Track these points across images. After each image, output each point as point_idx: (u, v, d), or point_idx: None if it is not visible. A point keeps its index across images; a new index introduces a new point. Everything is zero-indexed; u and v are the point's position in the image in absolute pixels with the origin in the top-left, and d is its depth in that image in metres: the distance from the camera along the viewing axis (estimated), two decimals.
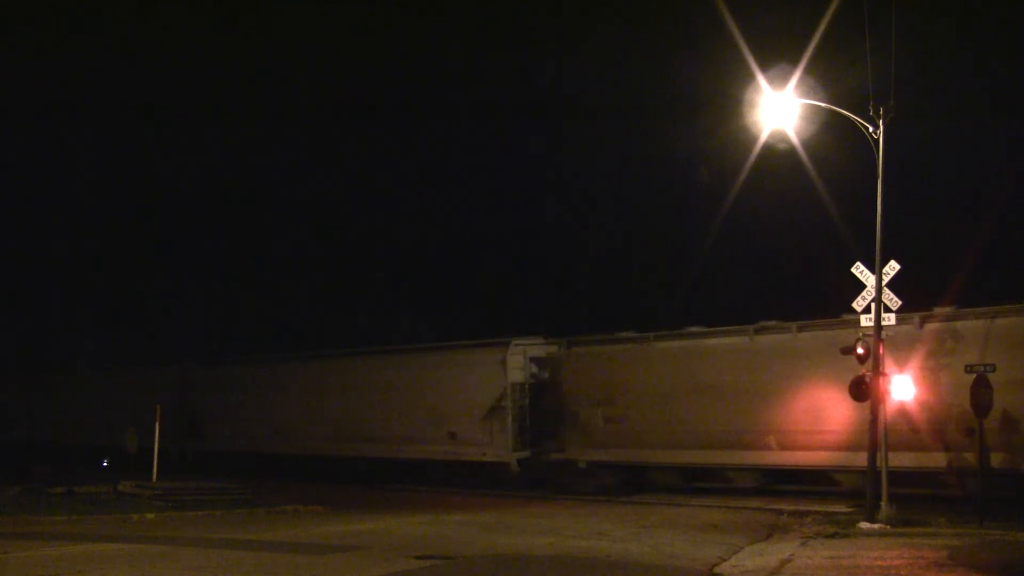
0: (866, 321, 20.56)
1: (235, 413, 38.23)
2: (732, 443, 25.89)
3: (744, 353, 26.40)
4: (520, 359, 30.30)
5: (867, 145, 19.99)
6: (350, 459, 34.35)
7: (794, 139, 21.09)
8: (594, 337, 30.35)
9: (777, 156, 22.43)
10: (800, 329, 25.67)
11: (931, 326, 23.20)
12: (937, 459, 22.52)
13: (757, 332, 26.42)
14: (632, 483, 28.35)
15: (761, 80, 20.25)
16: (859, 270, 20.72)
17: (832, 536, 18.19)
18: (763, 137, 21.21)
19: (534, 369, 30.61)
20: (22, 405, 47.84)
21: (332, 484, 31.30)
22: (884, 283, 20.26)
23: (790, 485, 25.81)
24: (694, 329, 28.18)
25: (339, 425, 34.82)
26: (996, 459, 20.92)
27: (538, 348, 30.83)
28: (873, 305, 20.26)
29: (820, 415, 24.35)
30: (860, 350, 20.18)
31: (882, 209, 19.96)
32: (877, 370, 19.91)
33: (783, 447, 25.28)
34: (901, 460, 21.50)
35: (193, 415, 38.92)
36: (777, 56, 21.05)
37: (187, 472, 33.18)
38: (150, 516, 21.75)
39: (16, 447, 44.19)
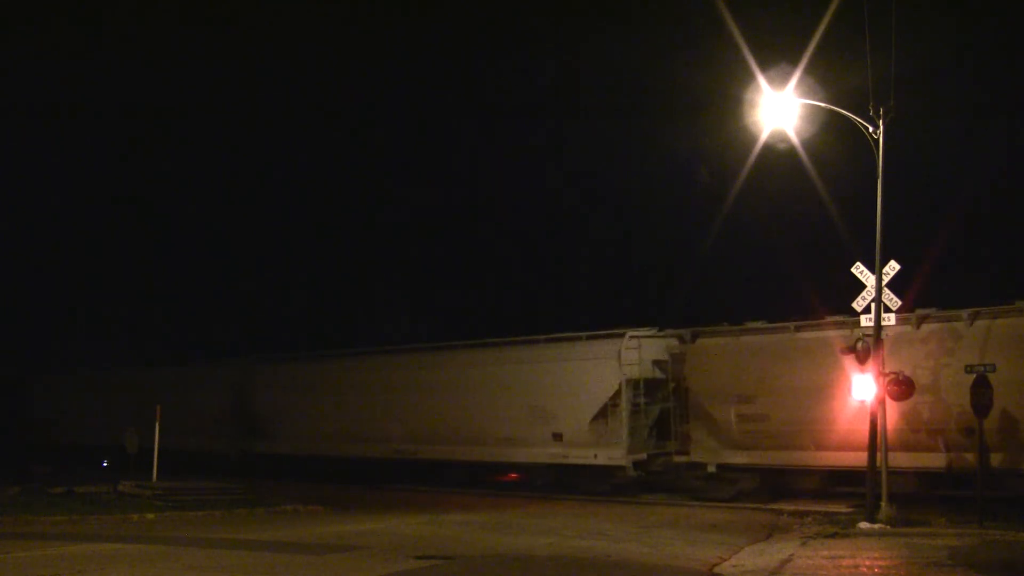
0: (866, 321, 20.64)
1: (307, 412, 35.23)
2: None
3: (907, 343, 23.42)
4: (635, 352, 27.53)
5: (867, 145, 20.00)
6: (437, 463, 31.98)
7: (794, 139, 21.09)
8: (722, 328, 27.26)
9: (777, 156, 22.43)
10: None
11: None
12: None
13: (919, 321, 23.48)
14: (771, 487, 25.55)
15: (761, 80, 20.27)
16: (859, 270, 20.73)
17: (832, 536, 18.19)
18: (763, 137, 21.22)
19: (649, 363, 27.90)
20: (54, 405, 45.30)
21: (435, 489, 30.61)
22: (884, 283, 20.27)
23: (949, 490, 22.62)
24: (837, 319, 24.64)
25: (426, 425, 32.13)
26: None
27: (654, 340, 28.11)
28: (873, 305, 20.28)
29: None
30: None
31: (882, 209, 19.97)
32: (877, 370, 19.94)
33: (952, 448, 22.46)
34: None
35: (252, 415, 36.14)
36: (777, 56, 21.07)
37: (247, 476, 32.21)
38: (150, 516, 21.75)
39: (47, 449, 41.98)
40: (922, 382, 21.91)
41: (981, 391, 19.77)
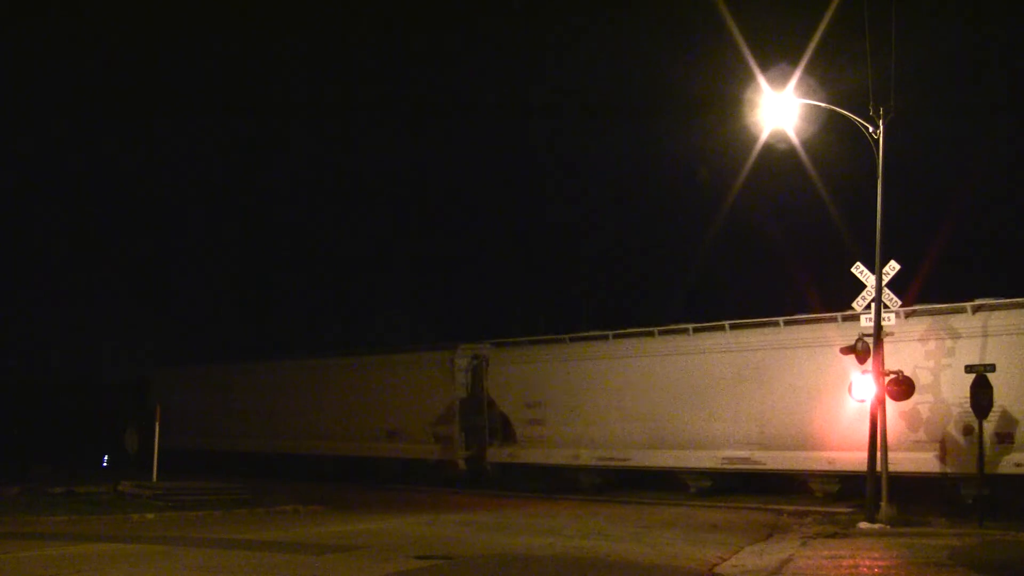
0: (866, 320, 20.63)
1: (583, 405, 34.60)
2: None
3: None
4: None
5: (867, 145, 20.01)
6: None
7: (794, 139, 21.11)
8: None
9: (777, 156, 22.45)
10: None
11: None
12: None
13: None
14: None
15: (761, 80, 20.29)
16: (859, 270, 20.73)
17: (832, 536, 18.19)
18: (763, 137, 21.24)
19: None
20: (184, 404, 39.40)
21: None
22: (884, 283, 20.27)
23: None
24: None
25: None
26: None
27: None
28: (873, 305, 20.28)
29: None
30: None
31: (882, 209, 19.98)
32: (877, 370, 19.94)
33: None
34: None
35: (501, 413, 30.99)
36: (777, 56, 21.10)
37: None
38: (150, 516, 21.74)
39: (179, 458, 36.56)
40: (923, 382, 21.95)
41: (981, 391, 19.73)
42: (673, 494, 26.49)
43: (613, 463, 28.03)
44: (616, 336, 28.53)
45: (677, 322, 27.94)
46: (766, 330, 25.41)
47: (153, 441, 27.20)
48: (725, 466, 25.68)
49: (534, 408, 29.62)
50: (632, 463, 27.58)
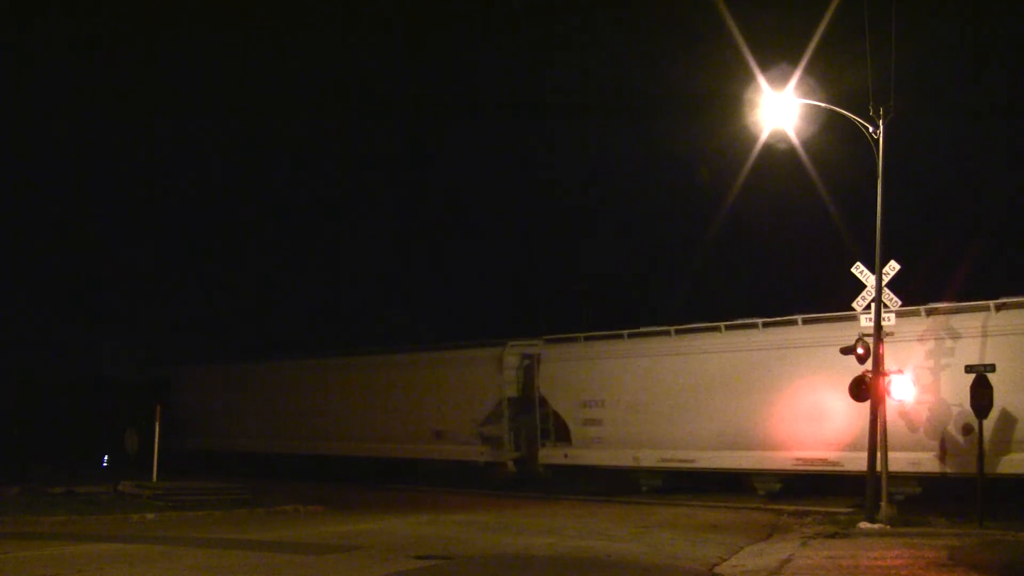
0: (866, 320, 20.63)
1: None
2: None
3: None
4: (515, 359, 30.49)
5: (867, 145, 20.01)
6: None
7: (794, 139, 21.11)
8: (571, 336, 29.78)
9: (777, 156, 22.45)
10: None
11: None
12: None
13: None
14: None
15: (761, 80, 20.29)
16: (859, 270, 20.73)
17: (832, 536, 18.18)
18: (763, 137, 21.25)
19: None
20: (204, 404, 39.12)
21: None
22: (884, 283, 20.27)
23: None
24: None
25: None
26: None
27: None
28: (873, 305, 20.29)
29: None
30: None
31: (882, 209, 19.98)
32: (877, 370, 19.94)
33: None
34: None
35: (554, 413, 29.67)
36: (777, 56, 21.09)
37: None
38: (150, 516, 21.76)
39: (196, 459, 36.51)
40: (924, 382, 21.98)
41: (981, 391, 19.73)
42: (734, 497, 25.45)
43: (677, 465, 26.71)
44: (679, 332, 27.29)
45: (741, 317, 26.82)
46: (845, 324, 23.39)
47: (154, 441, 27.17)
48: (798, 467, 24.41)
49: (591, 407, 28.33)
50: (697, 465, 26.29)
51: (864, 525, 19.00)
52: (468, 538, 18.00)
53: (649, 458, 27.11)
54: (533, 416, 29.84)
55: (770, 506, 23.79)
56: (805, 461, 24.23)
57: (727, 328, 26.27)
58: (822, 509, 22.30)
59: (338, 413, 34.79)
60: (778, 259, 42.00)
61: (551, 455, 29.33)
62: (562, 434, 29.07)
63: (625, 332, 28.42)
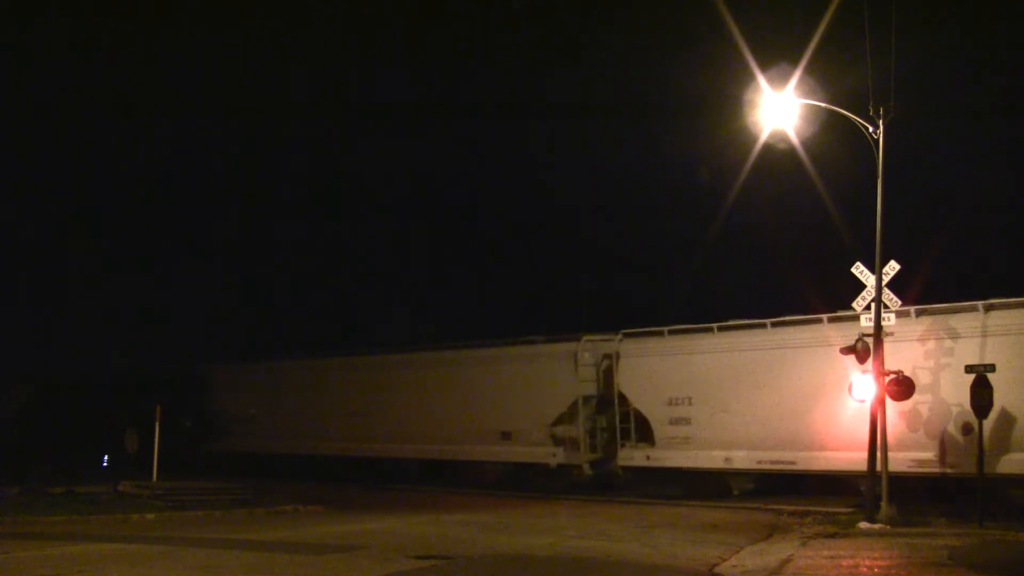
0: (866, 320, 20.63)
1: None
2: None
3: None
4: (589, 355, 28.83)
5: (867, 145, 20.01)
6: None
7: (794, 139, 21.12)
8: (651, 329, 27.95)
9: (777, 156, 22.45)
10: None
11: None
12: None
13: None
14: None
15: (761, 80, 20.29)
16: (859, 270, 20.73)
17: (832, 536, 18.19)
18: (763, 137, 21.24)
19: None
20: (238, 403, 37.73)
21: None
22: (884, 283, 20.28)
23: None
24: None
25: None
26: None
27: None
28: (873, 305, 20.29)
29: None
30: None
31: (882, 209, 19.99)
32: (877, 370, 19.94)
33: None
34: None
35: (636, 411, 27.75)
36: (777, 56, 21.10)
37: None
38: (150, 516, 21.75)
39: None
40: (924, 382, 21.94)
41: (981, 391, 19.73)
42: (834, 499, 24.14)
43: (776, 466, 24.81)
44: (775, 324, 25.55)
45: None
46: (968, 315, 22.46)
47: (153, 442, 27.16)
48: (913, 469, 22.45)
49: (677, 406, 26.53)
50: (798, 467, 24.44)
51: (864, 525, 19.00)
52: (468, 538, 18.00)
53: (743, 460, 25.32)
54: (610, 415, 28.24)
55: (770, 506, 23.79)
56: (921, 462, 22.47)
57: (830, 320, 24.27)
58: (822, 509, 22.29)
59: (393, 413, 33.17)
60: (778, 259, 42.01)
61: (632, 457, 27.49)
62: (644, 434, 27.28)
63: (715, 325, 26.67)
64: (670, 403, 26.70)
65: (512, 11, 64.18)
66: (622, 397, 27.79)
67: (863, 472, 21.41)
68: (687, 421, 26.41)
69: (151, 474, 26.65)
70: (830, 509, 22.16)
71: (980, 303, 22.33)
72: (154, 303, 60.28)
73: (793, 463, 24.42)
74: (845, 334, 22.22)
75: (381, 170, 70.09)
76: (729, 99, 22.25)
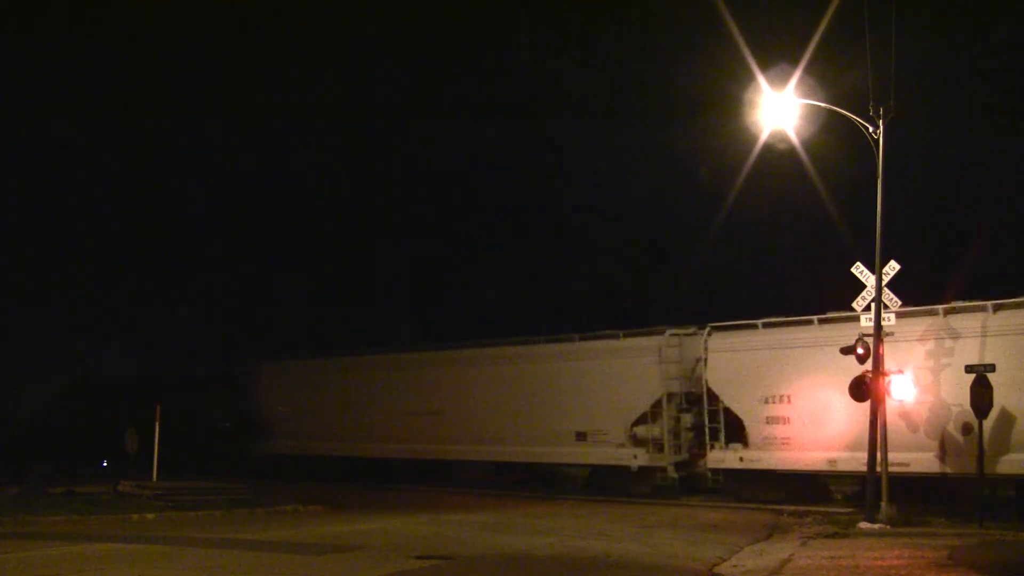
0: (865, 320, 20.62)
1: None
2: None
3: None
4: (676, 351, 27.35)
5: (867, 145, 20.01)
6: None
7: (794, 139, 21.12)
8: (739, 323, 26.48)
9: (777, 156, 22.45)
10: None
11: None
12: None
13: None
14: None
15: (761, 80, 20.30)
16: (859, 270, 20.73)
17: (832, 536, 18.19)
18: (763, 137, 21.24)
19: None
20: (284, 402, 36.54)
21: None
22: (884, 283, 20.27)
23: None
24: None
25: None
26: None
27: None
28: (873, 305, 20.29)
29: None
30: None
31: (882, 209, 19.99)
32: (877, 370, 19.94)
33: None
34: None
35: (727, 410, 26.36)
36: (777, 56, 21.11)
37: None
38: (150, 516, 21.76)
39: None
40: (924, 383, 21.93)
41: (981, 391, 19.72)
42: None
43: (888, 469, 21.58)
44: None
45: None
46: (968, 315, 22.05)
47: (154, 442, 27.14)
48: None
49: (774, 404, 24.94)
50: (911, 469, 22.14)
51: (864, 525, 19.00)
52: (468, 538, 18.00)
53: (848, 461, 23.29)
54: (696, 414, 26.88)
55: (770, 506, 23.79)
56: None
57: (946, 312, 22.85)
58: (822, 509, 22.31)
59: (455, 412, 31.48)
60: (778, 259, 42.04)
61: (723, 458, 25.81)
62: (736, 434, 25.75)
63: (815, 318, 24.91)
64: (766, 401, 25.15)
65: (513, 11, 64.30)
66: (711, 394, 26.26)
67: (1000, 474, 20.97)
68: (785, 420, 24.83)
69: (151, 474, 26.64)
70: (830, 509, 22.17)
71: (989, 303, 22.27)
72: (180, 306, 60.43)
73: (907, 465, 22.08)
74: (971, 325, 21.83)
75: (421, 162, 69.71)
76: (729, 99, 22.27)
